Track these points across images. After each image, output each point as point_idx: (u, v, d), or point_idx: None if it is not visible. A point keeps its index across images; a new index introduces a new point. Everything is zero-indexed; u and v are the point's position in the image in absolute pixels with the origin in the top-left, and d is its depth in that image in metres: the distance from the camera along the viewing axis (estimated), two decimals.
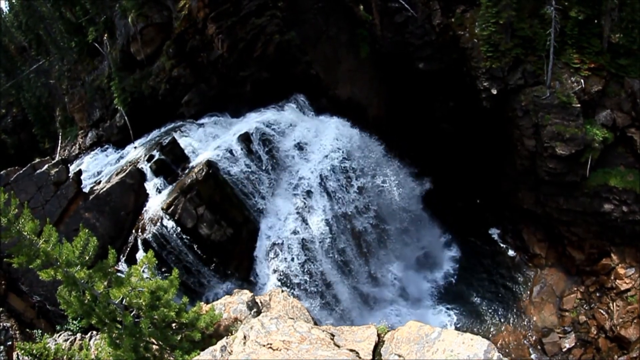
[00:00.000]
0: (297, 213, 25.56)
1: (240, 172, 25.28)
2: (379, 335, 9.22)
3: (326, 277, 25.53)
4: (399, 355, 8.18)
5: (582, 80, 26.30)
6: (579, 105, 26.15)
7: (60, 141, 36.66)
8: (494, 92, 28.11)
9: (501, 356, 7.93)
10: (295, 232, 24.94)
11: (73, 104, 34.86)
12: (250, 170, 25.70)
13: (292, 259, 24.38)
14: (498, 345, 28.13)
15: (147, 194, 25.34)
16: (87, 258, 11.78)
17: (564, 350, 27.44)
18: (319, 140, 28.37)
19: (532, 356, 27.84)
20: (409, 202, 32.03)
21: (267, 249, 24.73)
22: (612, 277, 27.48)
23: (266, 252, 24.68)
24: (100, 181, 27.09)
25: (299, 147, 27.70)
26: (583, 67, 26.38)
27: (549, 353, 27.60)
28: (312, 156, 27.68)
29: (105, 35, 32.85)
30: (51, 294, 21.55)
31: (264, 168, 26.31)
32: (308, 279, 24.63)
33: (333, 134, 28.72)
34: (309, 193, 26.26)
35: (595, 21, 26.51)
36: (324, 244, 25.46)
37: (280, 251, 24.47)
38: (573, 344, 27.41)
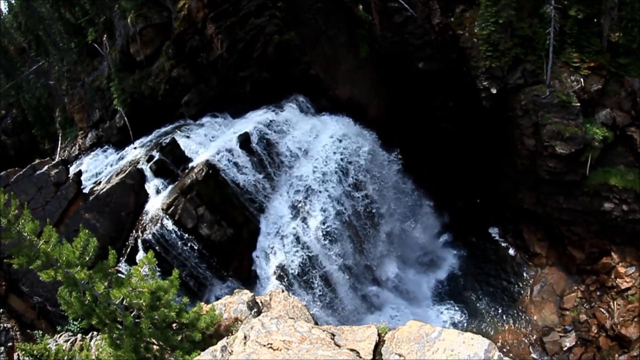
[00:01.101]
0: (295, 213, 25.59)
1: (240, 173, 25.28)
2: (379, 334, 9.21)
3: (327, 277, 25.54)
4: (400, 355, 8.17)
5: (581, 79, 26.28)
6: (578, 104, 26.13)
7: (60, 142, 36.68)
8: (494, 91, 28.10)
9: (502, 355, 7.91)
10: (294, 232, 24.95)
11: (73, 105, 34.86)
12: (250, 170, 25.71)
13: (291, 259, 24.37)
14: (499, 344, 28.10)
15: (147, 195, 25.34)
16: (87, 259, 11.78)
17: (565, 349, 27.42)
18: (318, 140, 28.38)
19: (533, 355, 27.81)
20: (429, 240, 32.54)
21: (267, 249, 24.74)
22: (613, 276, 27.47)
23: (266, 252, 24.68)
24: (100, 182, 27.11)
25: (299, 147, 27.71)
26: (583, 66, 26.35)
27: (550, 352, 27.57)
28: (313, 155, 27.72)
29: (105, 35, 32.84)
30: (52, 295, 21.58)
31: (263, 168, 26.31)
32: (308, 278, 24.64)
33: (363, 157, 28.22)
34: (308, 194, 26.27)
35: (595, 20, 26.48)
36: (323, 242, 25.46)
37: (280, 251, 24.48)
38: (574, 343, 27.39)
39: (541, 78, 27.02)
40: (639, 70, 26.21)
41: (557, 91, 26.32)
